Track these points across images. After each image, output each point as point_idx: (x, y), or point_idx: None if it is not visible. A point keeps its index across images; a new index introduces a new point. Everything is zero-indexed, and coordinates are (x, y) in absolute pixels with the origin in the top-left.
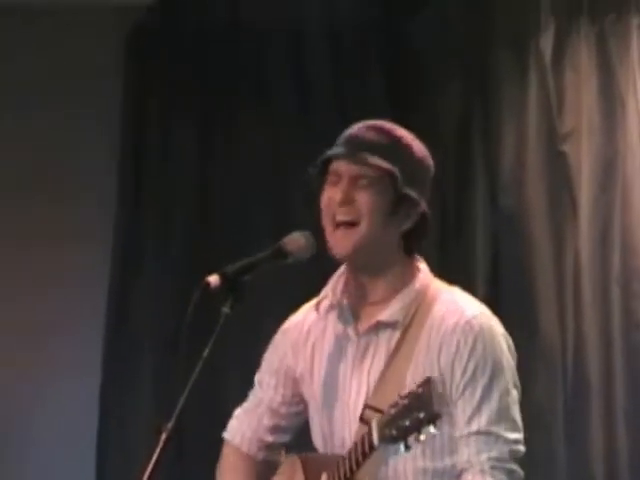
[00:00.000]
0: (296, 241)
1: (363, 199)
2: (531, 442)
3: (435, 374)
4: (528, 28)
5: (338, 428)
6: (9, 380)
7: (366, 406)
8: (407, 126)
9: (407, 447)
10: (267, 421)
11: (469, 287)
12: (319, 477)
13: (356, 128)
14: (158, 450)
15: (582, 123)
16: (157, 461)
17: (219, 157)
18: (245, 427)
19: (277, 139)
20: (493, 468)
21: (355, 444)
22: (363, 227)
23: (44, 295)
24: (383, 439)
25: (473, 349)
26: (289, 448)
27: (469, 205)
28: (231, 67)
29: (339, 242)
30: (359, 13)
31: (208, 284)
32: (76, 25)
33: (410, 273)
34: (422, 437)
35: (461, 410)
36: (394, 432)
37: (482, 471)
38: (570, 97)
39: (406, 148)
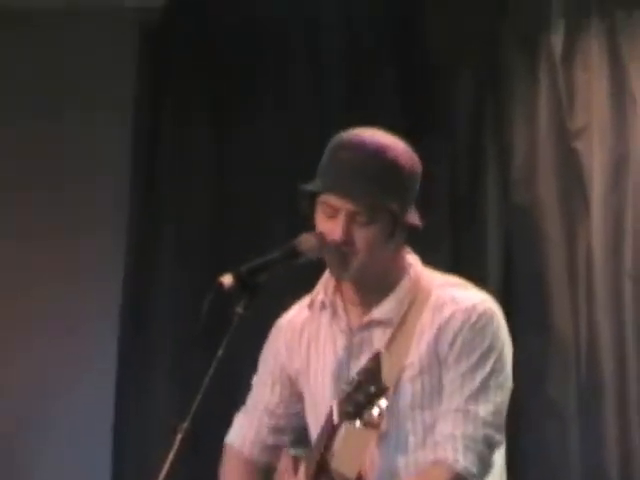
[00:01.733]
0: (308, 241)
1: (362, 237)
2: (545, 435)
3: (435, 367)
4: (539, 26)
5: None
6: (23, 378)
7: None
8: (419, 125)
9: (365, 424)
10: (267, 422)
11: (483, 284)
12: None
13: (348, 154)
14: (174, 450)
15: (593, 120)
16: (173, 461)
17: (235, 145)
18: (245, 430)
19: (293, 126)
20: (466, 447)
21: (321, 427)
22: (361, 258)
23: (58, 291)
24: (342, 416)
25: (466, 335)
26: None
27: (481, 201)
28: (247, 57)
29: (334, 269)
30: (374, 10)
31: (221, 284)
32: (90, 24)
33: (401, 270)
34: (375, 411)
35: (445, 389)
36: (350, 408)
37: (455, 449)
38: (581, 94)
39: (398, 169)
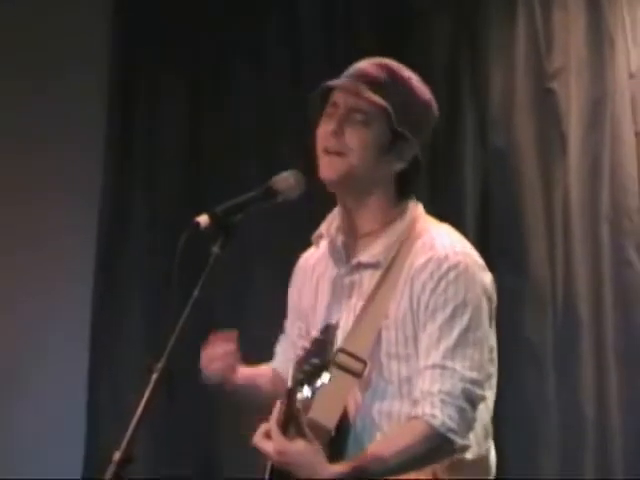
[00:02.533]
0: (285, 180)
1: (354, 133)
2: (521, 379)
3: (409, 314)
4: None
5: None
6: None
7: (339, 350)
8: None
9: (313, 392)
10: (291, 354)
11: (459, 225)
12: None
13: (362, 62)
14: (149, 390)
15: (570, 61)
16: (148, 400)
17: (210, 110)
18: (283, 357)
19: (265, 91)
20: (443, 402)
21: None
22: (351, 159)
23: (31, 243)
24: (295, 383)
25: (437, 286)
26: None
27: (458, 143)
28: (221, 19)
29: (325, 168)
30: None
31: (198, 224)
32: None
33: (398, 212)
34: (318, 383)
35: (421, 344)
36: (301, 376)
37: (432, 404)
38: (558, 35)
39: (408, 88)
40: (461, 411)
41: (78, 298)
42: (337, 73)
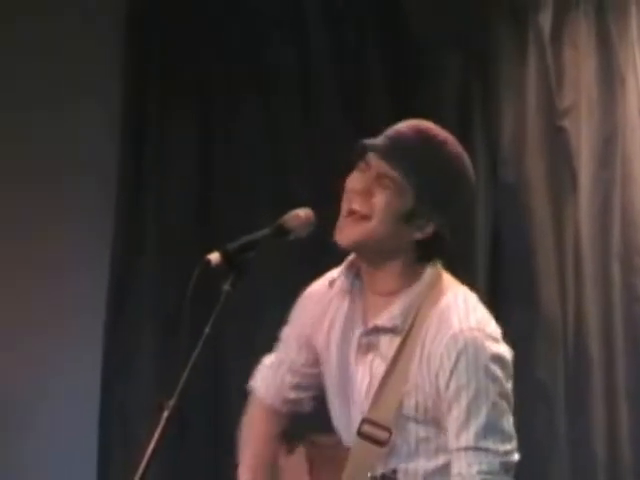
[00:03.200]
0: (296, 217)
1: (380, 197)
2: (532, 418)
3: (427, 386)
4: (527, 4)
5: (353, 421)
6: (10, 363)
7: (364, 420)
8: (406, 106)
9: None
10: (289, 380)
11: (469, 261)
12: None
13: (404, 125)
14: (160, 428)
15: (581, 99)
16: (159, 439)
17: (219, 139)
18: (269, 382)
19: (277, 122)
20: None
21: None
22: (372, 223)
23: (44, 276)
24: None
25: (456, 365)
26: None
27: None
28: (231, 49)
29: (345, 229)
30: None
31: (209, 262)
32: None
33: (416, 276)
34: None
35: (450, 425)
36: None
37: None
38: (569, 73)
39: (444, 162)
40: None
41: (89, 335)
42: (346, 106)
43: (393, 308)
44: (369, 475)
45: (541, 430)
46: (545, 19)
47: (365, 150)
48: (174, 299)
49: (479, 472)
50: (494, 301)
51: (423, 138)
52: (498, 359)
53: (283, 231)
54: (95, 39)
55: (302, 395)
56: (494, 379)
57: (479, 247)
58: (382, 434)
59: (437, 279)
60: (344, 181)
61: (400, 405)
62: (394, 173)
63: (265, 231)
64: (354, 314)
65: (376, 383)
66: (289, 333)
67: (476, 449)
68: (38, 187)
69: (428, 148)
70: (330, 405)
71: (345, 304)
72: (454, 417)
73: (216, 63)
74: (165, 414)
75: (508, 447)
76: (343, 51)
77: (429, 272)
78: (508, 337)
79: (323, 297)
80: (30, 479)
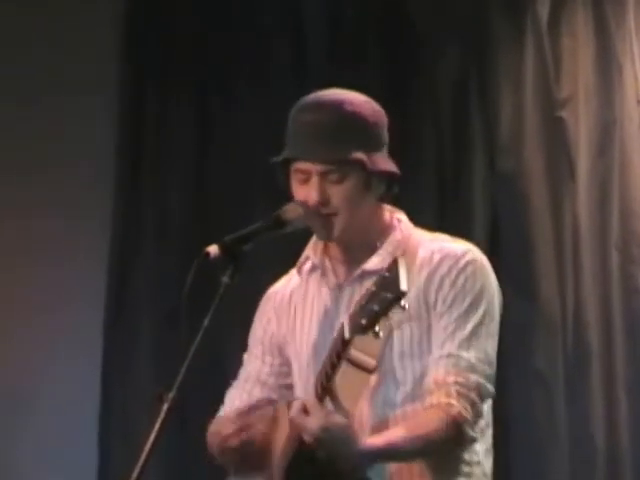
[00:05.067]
0: (294, 209)
1: (338, 195)
2: (531, 408)
3: (423, 312)
4: None
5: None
6: (9, 356)
7: (351, 345)
8: (404, 95)
9: (377, 334)
10: (258, 394)
11: None
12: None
13: (304, 114)
14: (160, 419)
15: (579, 88)
16: (159, 430)
17: (217, 138)
18: (236, 402)
19: (273, 116)
20: (459, 393)
21: (330, 348)
22: (343, 217)
23: (44, 272)
24: (354, 331)
25: (456, 279)
26: None
27: (467, 170)
28: (230, 48)
29: (322, 234)
30: None
31: (207, 254)
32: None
33: (389, 225)
34: (392, 317)
35: (436, 336)
36: (363, 321)
37: (447, 393)
38: (567, 62)
39: (357, 120)
40: (473, 404)
41: (89, 328)
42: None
43: (376, 255)
44: None
45: (540, 421)
46: (543, 8)
47: (290, 162)
48: (173, 292)
49: (455, 382)
50: None
51: (330, 111)
52: (495, 283)
53: (281, 223)
54: (94, 38)
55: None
56: (489, 300)
57: (477, 236)
58: (368, 360)
59: (411, 227)
60: None
61: (390, 343)
62: (332, 166)
63: (263, 223)
64: (328, 284)
65: None
66: (251, 348)
67: (457, 357)
68: (36, 185)
69: (342, 117)
70: (298, 390)
71: (313, 283)
72: (442, 327)
73: (214, 62)
74: (165, 406)
75: (487, 370)
76: (341, 39)
77: (403, 219)
78: (507, 327)
79: (284, 290)
80: (31, 472)
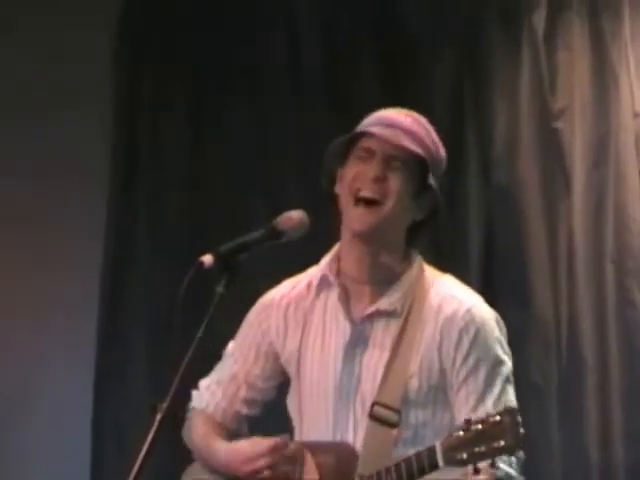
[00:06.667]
0: (289, 220)
1: (395, 180)
2: (525, 418)
3: (436, 364)
4: (520, 5)
5: (338, 417)
6: (3, 363)
7: (375, 403)
8: (399, 104)
9: (476, 471)
10: (243, 394)
11: (462, 263)
12: (335, 466)
13: (392, 113)
14: (153, 430)
15: (575, 100)
16: (152, 441)
17: (211, 142)
18: (219, 399)
19: (268, 122)
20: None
21: (410, 461)
22: (388, 207)
23: (38, 281)
24: (449, 461)
25: (475, 338)
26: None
27: (462, 182)
28: (221, 50)
29: (361, 218)
30: None
31: (202, 263)
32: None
33: (407, 262)
34: (500, 465)
35: (464, 398)
36: (464, 456)
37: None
38: (563, 74)
39: (435, 142)
40: (518, 457)
41: (82, 338)
42: (338, 105)
43: (391, 292)
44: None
45: (533, 431)
46: (539, 20)
47: (355, 138)
48: (167, 301)
49: None
50: (487, 303)
51: (414, 119)
52: (502, 329)
53: (276, 233)
54: (90, 39)
55: (253, 412)
56: (506, 354)
57: (472, 248)
58: (393, 416)
59: (423, 267)
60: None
61: (405, 388)
62: (401, 153)
63: (258, 233)
64: (344, 310)
65: (373, 373)
66: (241, 346)
67: None
68: (37, 188)
69: (423, 128)
70: (303, 406)
71: (328, 302)
72: (470, 390)
73: (209, 62)
74: (158, 416)
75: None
76: (336, 50)
77: (418, 258)
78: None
79: (288, 302)
80: None
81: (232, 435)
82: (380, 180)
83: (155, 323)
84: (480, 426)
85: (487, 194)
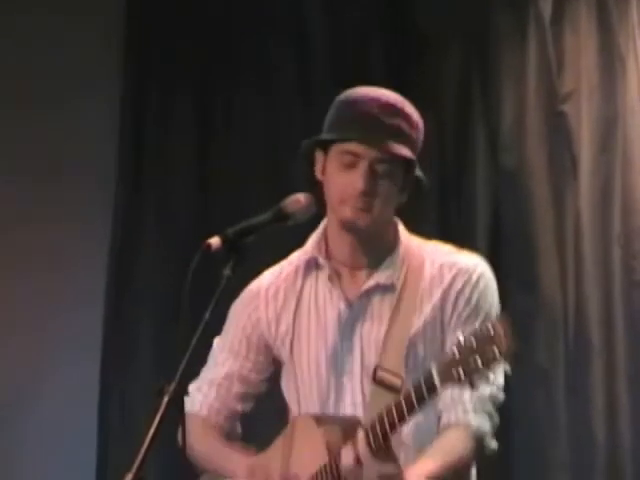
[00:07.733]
0: (296, 202)
1: (383, 186)
2: (532, 400)
3: (438, 325)
4: None
5: (340, 391)
6: (11, 348)
7: (377, 367)
8: (406, 92)
9: (473, 386)
10: (236, 390)
11: (470, 247)
12: (342, 436)
13: (368, 106)
14: (160, 412)
15: (582, 83)
16: (159, 423)
17: (219, 133)
18: (212, 399)
19: (275, 110)
20: (475, 408)
21: (408, 393)
22: (376, 211)
23: (45, 267)
24: (445, 379)
25: (470, 297)
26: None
27: (470, 166)
28: (230, 40)
29: (350, 222)
30: None
31: (209, 246)
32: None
33: (395, 235)
34: (492, 372)
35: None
36: (460, 371)
37: (465, 410)
38: (570, 57)
39: (414, 123)
40: (490, 415)
41: (88, 322)
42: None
43: (384, 267)
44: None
45: (541, 414)
46: (545, 4)
47: (332, 145)
48: (175, 284)
49: (471, 398)
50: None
51: (392, 111)
52: (497, 292)
53: (283, 216)
54: (95, 37)
55: (246, 407)
56: (497, 313)
57: (480, 232)
58: (395, 380)
59: (408, 236)
60: None
61: (407, 354)
62: (387, 157)
63: (265, 216)
64: (337, 288)
65: (375, 344)
66: (232, 339)
67: None
68: (39, 189)
69: (403, 120)
70: (301, 386)
71: (319, 282)
72: (467, 326)
73: (216, 61)
74: (165, 399)
75: (499, 380)
76: (345, 39)
77: (400, 229)
78: (509, 319)
79: (276, 290)
80: (30, 468)
81: (226, 435)
82: (369, 194)
83: (162, 307)
84: (473, 340)
85: (494, 178)
